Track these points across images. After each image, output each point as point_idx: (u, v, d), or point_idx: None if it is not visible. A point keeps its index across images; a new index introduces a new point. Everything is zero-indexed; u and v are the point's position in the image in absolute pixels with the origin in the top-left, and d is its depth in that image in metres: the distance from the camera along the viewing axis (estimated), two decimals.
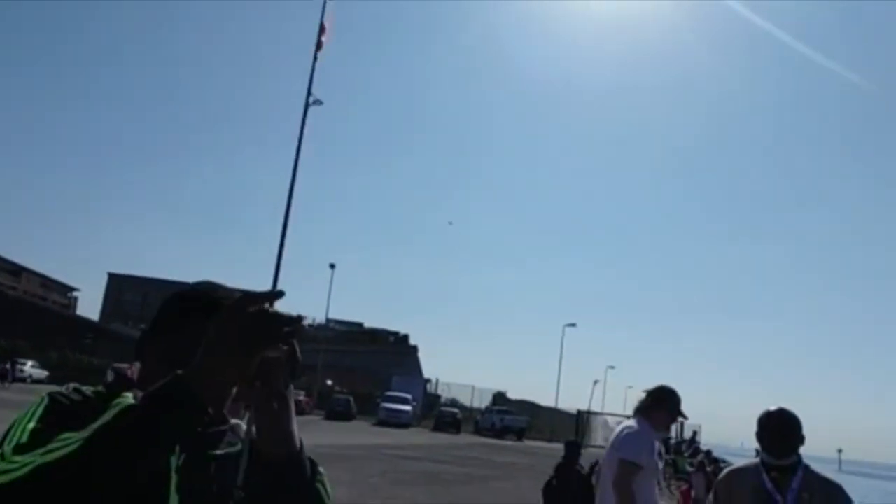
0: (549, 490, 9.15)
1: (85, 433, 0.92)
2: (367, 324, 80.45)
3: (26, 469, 0.91)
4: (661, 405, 4.59)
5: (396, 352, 69.32)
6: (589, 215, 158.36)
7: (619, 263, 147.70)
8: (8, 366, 35.27)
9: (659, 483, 4.59)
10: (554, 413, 56.80)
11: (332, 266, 49.69)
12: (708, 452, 21.70)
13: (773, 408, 3.55)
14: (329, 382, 50.34)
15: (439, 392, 60.20)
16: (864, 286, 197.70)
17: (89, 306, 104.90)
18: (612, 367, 66.36)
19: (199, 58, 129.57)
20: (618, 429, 4.77)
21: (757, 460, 3.60)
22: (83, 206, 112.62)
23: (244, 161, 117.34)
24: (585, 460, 11.44)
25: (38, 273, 77.43)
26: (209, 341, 0.98)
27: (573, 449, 10.77)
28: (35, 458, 0.91)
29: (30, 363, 40.54)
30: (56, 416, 1.06)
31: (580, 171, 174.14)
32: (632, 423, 4.64)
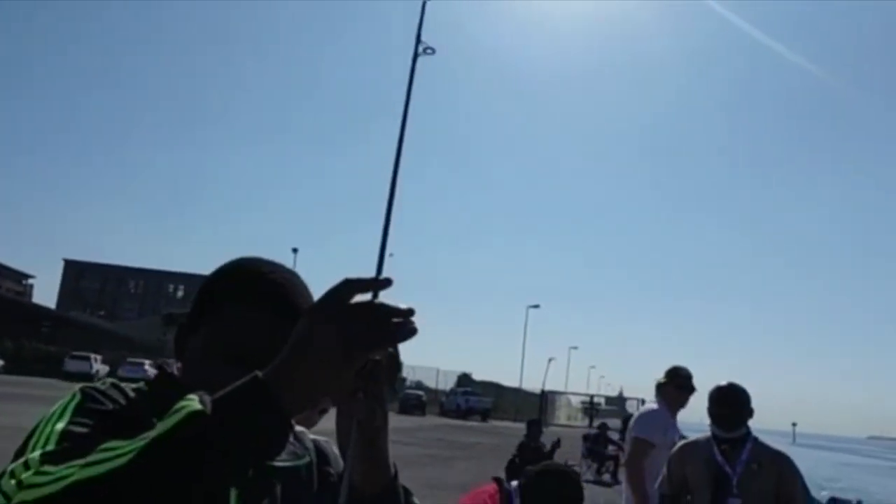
0: (511, 468, 9.33)
1: (138, 442, 0.70)
2: None
3: (62, 484, 0.70)
4: (670, 382, 4.70)
5: None
6: (554, 199, 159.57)
7: (582, 246, 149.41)
8: None
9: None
10: (518, 393, 57.40)
11: (295, 250, 49.32)
12: None
13: (722, 383, 3.68)
14: None
15: (404, 375, 60.37)
16: (819, 267, 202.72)
17: (45, 294, 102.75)
18: (575, 348, 67.47)
19: (158, 47, 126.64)
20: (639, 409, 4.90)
21: (709, 434, 3.73)
22: (37, 192, 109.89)
23: (202, 146, 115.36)
24: (547, 438, 11.68)
25: None
26: (300, 339, 0.75)
27: (535, 428, 11.00)
28: (73, 471, 0.71)
29: None
30: (92, 417, 0.88)
31: (544, 156, 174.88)
32: (652, 403, 4.78)
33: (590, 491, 11.06)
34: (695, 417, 5.11)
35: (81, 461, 0.72)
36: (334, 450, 1.17)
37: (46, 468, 0.74)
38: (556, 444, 11.24)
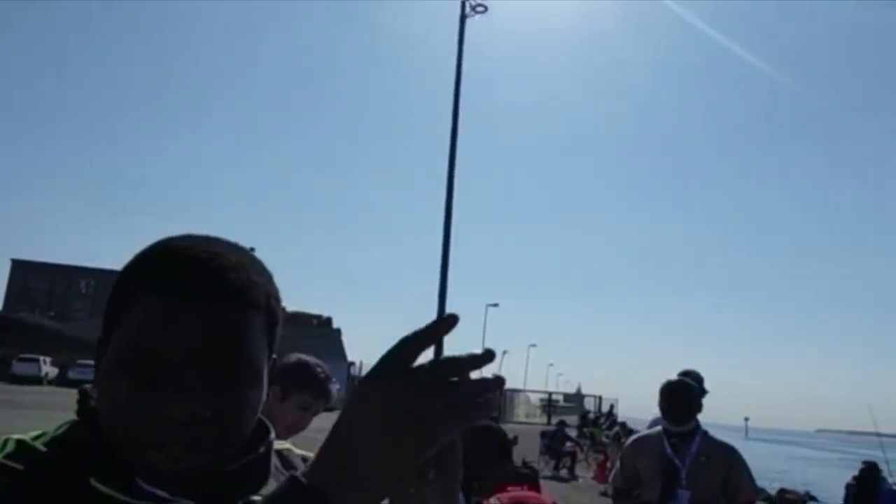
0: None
1: None
2: (289, 307, 79.43)
3: None
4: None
5: (319, 335, 68.64)
6: (516, 197, 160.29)
7: (541, 244, 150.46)
8: None
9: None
10: None
11: (252, 249, 48.66)
12: (623, 424, 22.52)
13: (673, 378, 3.78)
14: None
15: (362, 374, 60.08)
16: (769, 264, 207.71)
17: None
18: (534, 346, 67.99)
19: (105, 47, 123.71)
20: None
21: (660, 428, 3.83)
22: None
23: (158, 140, 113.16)
24: None
25: None
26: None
27: None
28: None
29: None
30: None
31: (502, 152, 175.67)
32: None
33: (548, 487, 11.21)
34: (651, 415, 5.23)
35: None
36: None
37: None
38: (514, 440, 11.33)
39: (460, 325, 0.55)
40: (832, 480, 18.79)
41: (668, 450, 3.67)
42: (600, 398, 41.94)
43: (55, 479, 0.67)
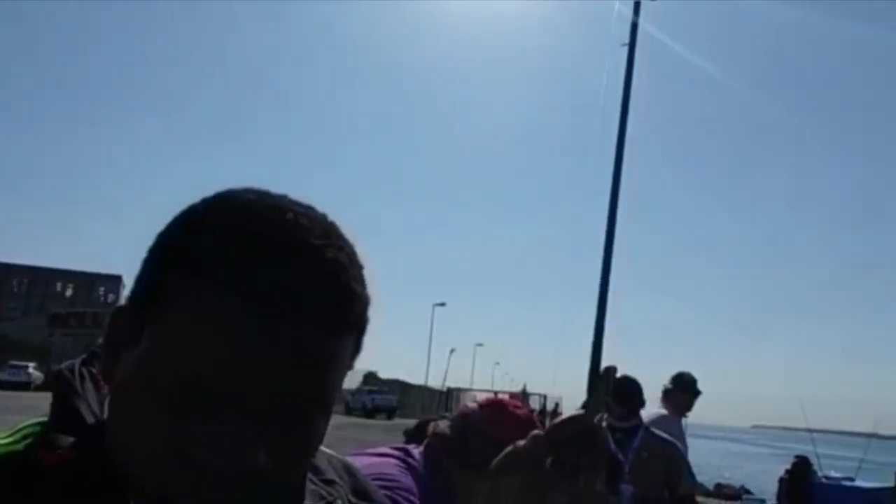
0: None
1: None
2: None
3: None
4: (676, 388, 4.80)
5: None
6: (464, 192, 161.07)
7: (485, 241, 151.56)
8: None
9: None
10: (424, 391, 57.75)
11: None
12: None
13: (616, 375, 3.85)
14: None
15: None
16: (709, 262, 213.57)
17: None
18: (481, 345, 68.20)
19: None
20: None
21: (604, 424, 3.90)
22: None
23: (95, 131, 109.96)
24: None
25: None
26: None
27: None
28: None
29: None
30: None
31: (452, 147, 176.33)
32: (660, 409, 4.88)
33: None
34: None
35: None
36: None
37: None
38: None
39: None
40: (767, 474, 19.43)
41: (612, 445, 3.74)
42: (545, 397, 42.47)
43: (33, 490, 0.49)
